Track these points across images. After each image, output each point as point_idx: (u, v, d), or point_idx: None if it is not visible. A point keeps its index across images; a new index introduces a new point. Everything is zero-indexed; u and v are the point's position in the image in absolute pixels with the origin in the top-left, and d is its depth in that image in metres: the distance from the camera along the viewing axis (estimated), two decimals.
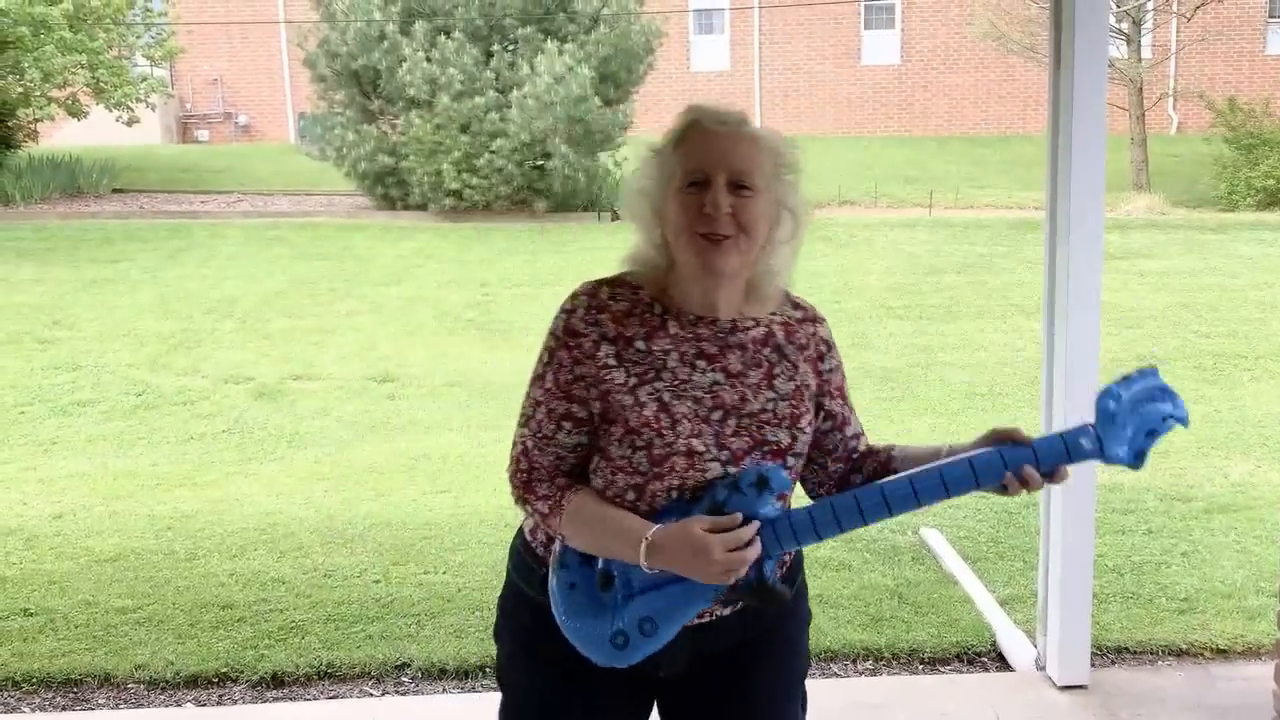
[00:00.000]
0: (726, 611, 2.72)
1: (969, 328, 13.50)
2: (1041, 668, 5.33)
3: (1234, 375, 11.48)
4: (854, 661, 5.60)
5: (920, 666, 5.57)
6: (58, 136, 28.77)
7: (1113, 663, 5.52)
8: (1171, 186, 24.27)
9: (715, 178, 2.58)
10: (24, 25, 21.95)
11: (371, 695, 5.37)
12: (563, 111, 20.90)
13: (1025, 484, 2.54)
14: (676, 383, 2.62)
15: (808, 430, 2.73)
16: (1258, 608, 5.96)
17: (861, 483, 2.77)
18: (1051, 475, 2.55)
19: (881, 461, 2.80)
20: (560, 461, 2.69)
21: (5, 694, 5.38)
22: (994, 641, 5.66)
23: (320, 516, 7.88)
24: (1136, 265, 16.69)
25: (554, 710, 2.84)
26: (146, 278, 16.71)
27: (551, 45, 21.27)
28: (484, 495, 8.28)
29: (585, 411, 2.65)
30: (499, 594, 2.97)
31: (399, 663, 5.57)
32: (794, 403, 2.70)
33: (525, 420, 2.71)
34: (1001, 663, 5.54)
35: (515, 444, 2.73)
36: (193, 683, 5.46)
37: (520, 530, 2.90)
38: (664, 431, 2.59)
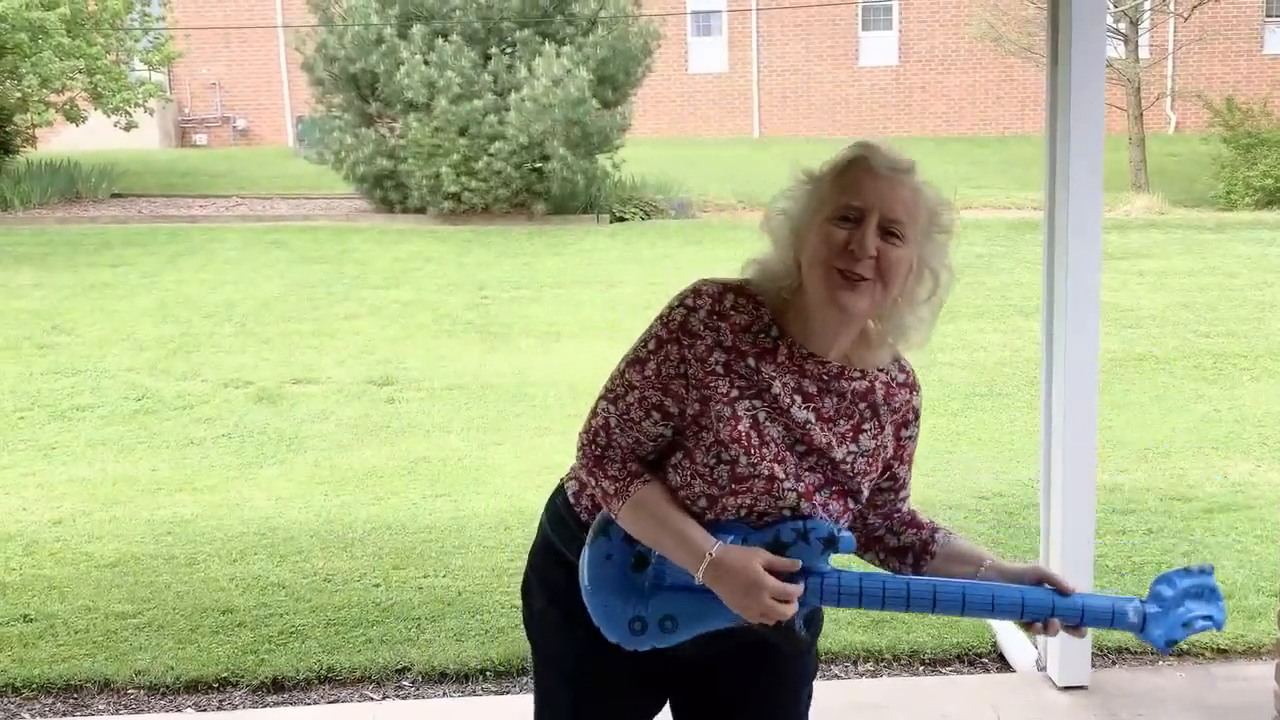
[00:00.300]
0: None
1: (968, 328, 13.48)
2: (1042, 668, 5.33)
3: (1233, 375, 11.48)
4: (855, 663, 5.61)
5: (921, 667, 5.57)
6: (56, 142, 28.74)
7: (1113, 663, 5.52)
8: (1170, 186, 24.27)
9: (869, 217, 2.55)
10: (22, 31, 21.94)
11: (372, 699, 5.37)
12: (561, 114, 20.89)
13: (1046, 629, 2.67)
14: (775, 409, 2.63)
15: (870, 484, 2.77)
16: (1258, 607, 5.95)
17: (895, 546, 2.88)
18: (1076, 628, 2.69)
19: (923, 541, 2.88)
20: (638, 446, 2.68)
21: (5, 700, 5.38)
22: (994, 642, 5.66)
23: (320, 520, 7.88)
24: (1135, 265, 16.69)
25: (584, 675, 2.88)
26: (145, 282, 16.70)
27: (549, 48, 21.25)
28: (484, 498, 8.28)
29: (678, 408, 2.64)
30: (530, 548, 2.98)
31: (399, 667, 5.57)
32: (870, 460, 2.74)
33: (615, 398, 2.68)
34: (1002, 663, 5.55)
35: (596, 414, 2.70)
36: (193, 688, 5.46)
37: (562, 489, 2.89)
38: (752, 450, 2.59)
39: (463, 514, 7.91)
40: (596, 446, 2.69)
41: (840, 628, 5.83)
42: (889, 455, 2.80)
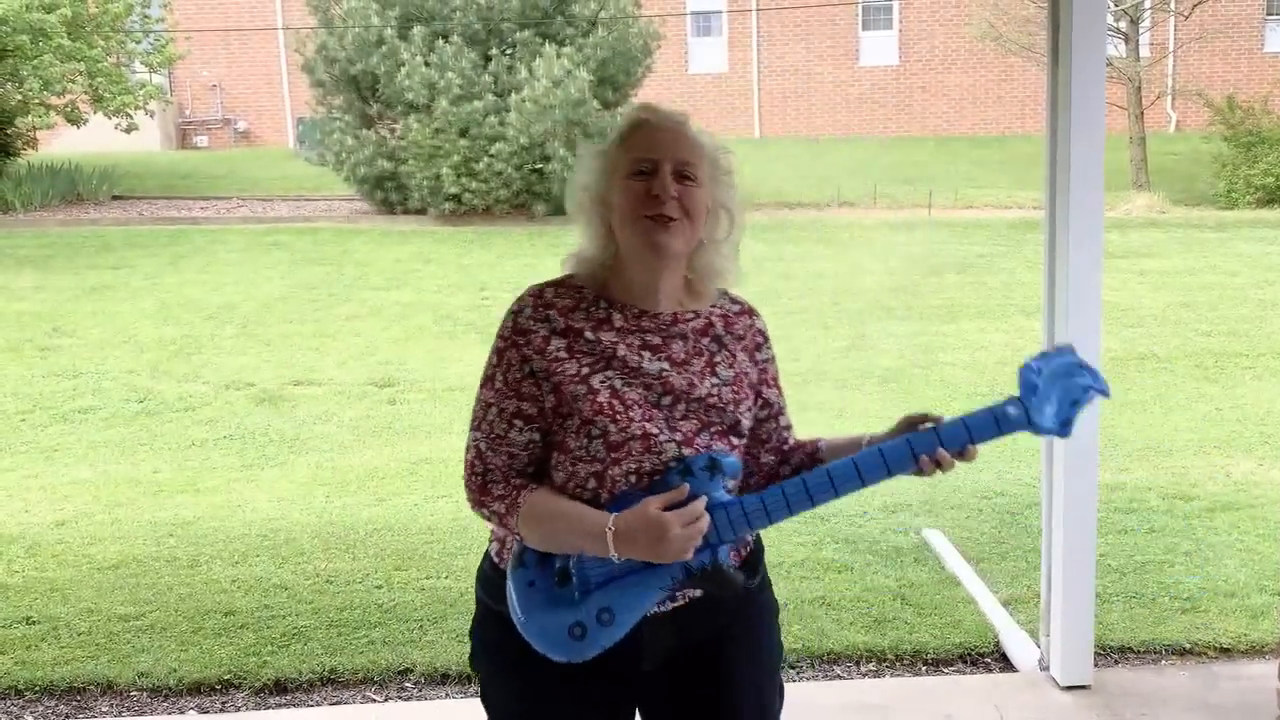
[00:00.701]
0: (699, 593, 2.74)
1: (969, 328, 13.51)
2: (1045, 668, 5.33)
3: (1235, 373, 11.48)
4: (857, 663, 5.61)
5: (923, 667, 5.58)
6: (57, 144, 28.75)
7: (1116, 663, 5.51)
8: (1170, 185, 24.28)
9: (663, 165, 2.72)
10: (23, 33, 21.96)
11: (374, 701, 5.38)
12: (561, 115, 20.90)
13: (938, 465, 2.67)
14: (626, 370, 2.72)
15: (748, 415, 2.83)
16: (1261, 606, 5.96)
17: (789, 472, 2.89)
18: (962, 454, 2.70)
19: (809, 453, 2.92)
20: (513, 460, 2.74)
21: (8, 703, 5.38)
22: (997, 642, 5.66)
23: (322, 522, 7.88)
24: (1136, 264, 16.71)
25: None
26: (147, 284, 16.72)
27: (549, 48, 21.27)
28: None
29: (536, 408, 2.72)
30: (470, 625, 3.00)
31: (401, 668, 5.58)
32: (735, 388, 2.80)
33: (477, 424, 2.77)
34: (1005, 663, 5.55)
35: (468, 449, 2.78)
36: (195, 690, 5.47)
37: (486, 554, 2.93)
38: (618, 416, 2.67)
39: (464, 515, 7.86)
40: (476, 477, 2.75)
41: (842, 628, 5.85)
42: (754, 381, 2.88)
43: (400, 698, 5.39)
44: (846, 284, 15.72)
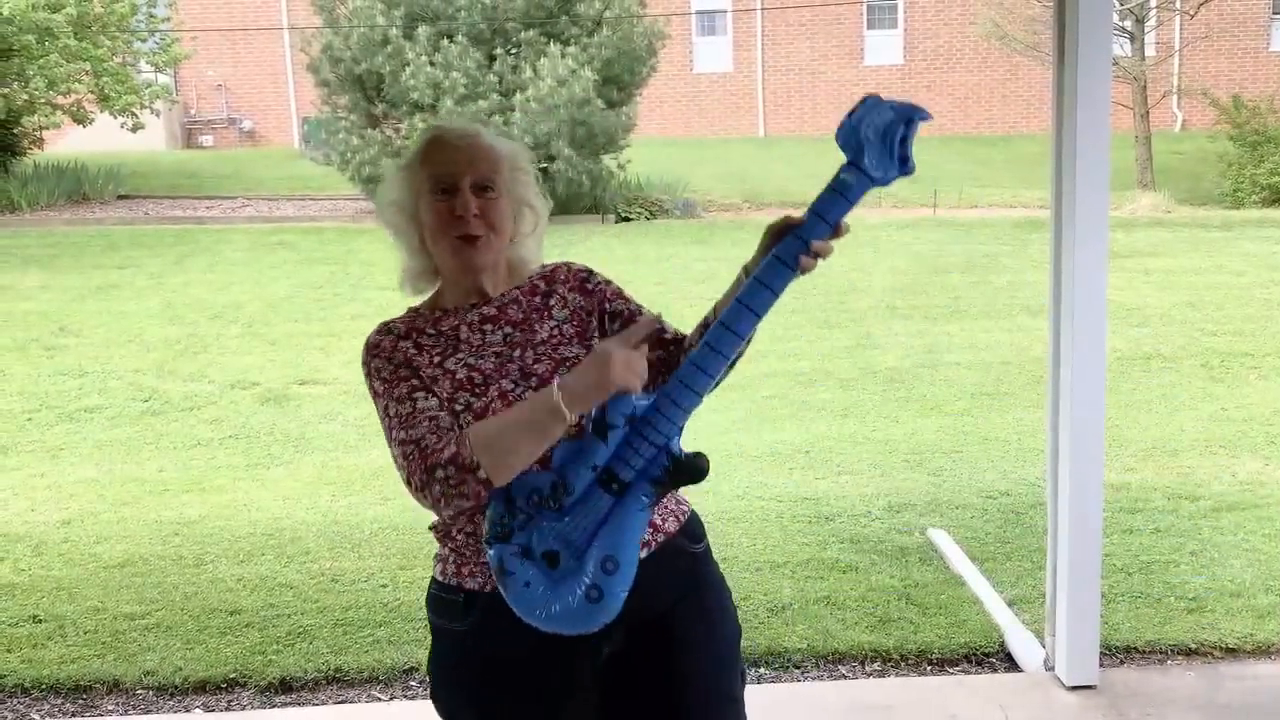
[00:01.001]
0: (646, 554, 2.77)
1: (974, 327, 13.50)
2: (1050, 668, 5.32)
3: (1240, 373, 11.46)
4: (862, 663, 5.60)
5: (928, 667, 5.57)
6: (63, 143, 28.81)
7: (1122, 663, 5.51)
8: (1176, 184, 24.27)
9: (462, 183, 2.85)
10: (29, 33, 22.01)
11: (380, 700, 5.39)
12: (566, 114, 20.92)
13: (817, 256, 2.63)
14: (474, 347, 2.85)
15: (599, 338, 2.92)
16: (1267, 606, 5.95)
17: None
18: (835, 234, 2.64)
19: (706, 323, 2.88)
20: (437, 420, 2.74)
21: (14, 701, 5.40)
22: (1002, 642, 5.66)
23: (327, 521, 7.89)
24: (1142, 263, 16.67)
25: None
26: (152, 284, 16.73)
27: (554, 48, 21.28)
28: None
29: (420, 379, 2.80)
30: (427, 658, 3.01)
31: (407, 667, 5.59)
32: (575, 322, 2.94)
33: (390, 430, 2.78)
34: (1010, 663, 5.54)
35: (395, 455, 2.76)
36: (201, 688, 5.49)
37: (432, 579, 2.94)
38: (475, 388, 2.77)
39: None
40: (413, 457, 2.71)
41: (847, 628, 5.85)
42: (593, 308, 2.99)
43: (406, 697, 5.40)
44: (851, 283, 15.69)
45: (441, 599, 2.88)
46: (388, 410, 2.78)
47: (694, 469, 2.66)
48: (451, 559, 2.87)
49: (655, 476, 2.63)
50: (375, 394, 2.83)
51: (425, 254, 2.92)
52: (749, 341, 2.69)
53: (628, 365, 2.60)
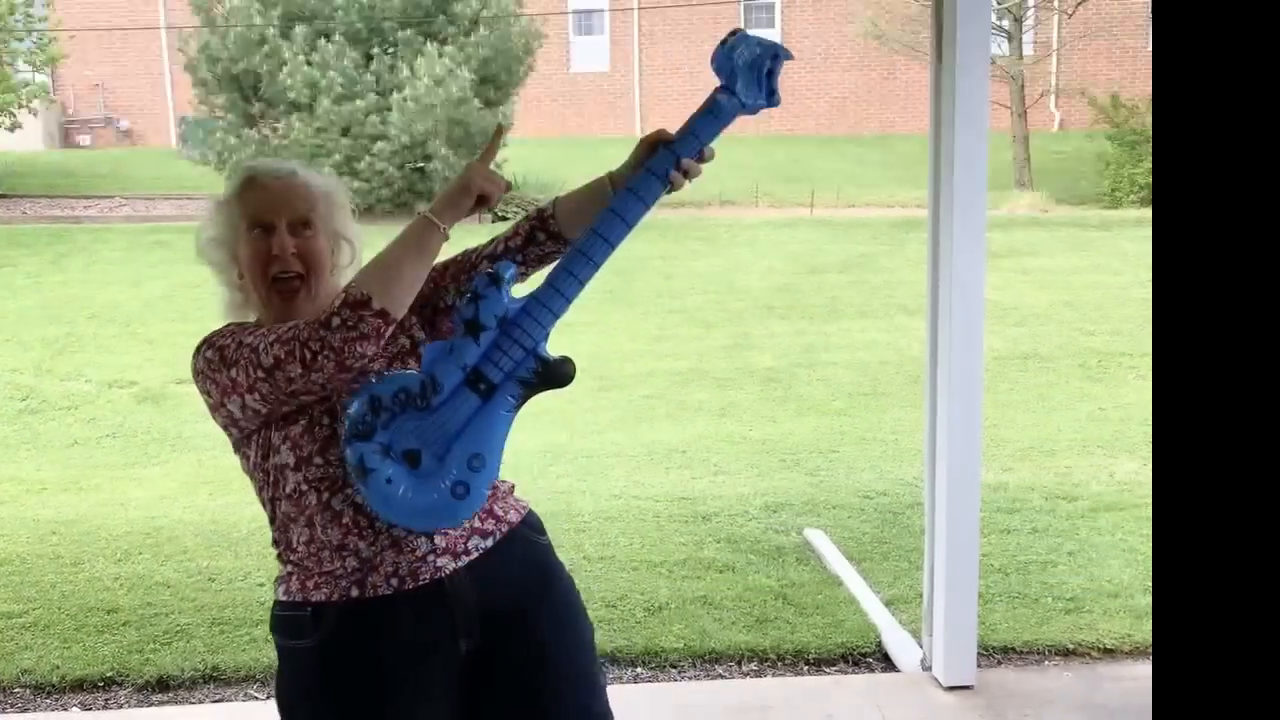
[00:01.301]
0: (489, 543, 2.82)
1: (851, 327, 13.64)
2: (927, 668, 5.34)
3: (1118, 373, 11.63)
4: (739, 663, 5.61)
5: (805, 668, 5.57)
6: None
7: (999, 663, 5.53)
8: (1054, 184, 24.54)
9: (278, 223, 2.84)
10: None
11: (257, 699, 5.36)
12: (443, 114, 20.90)
13: (686, 174, 2.75)
14: None
15: (449, 295, 2.94)
16: (1144, 607, 5.97)
17: (523, 244, 2.94)
18: (701, 157, 2.76)
19: (539, 218, 2.94)
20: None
21: None
22: (879, 642, 5.67)
23: (203, 520, 7.87)
24: (1020, 263, 16.89)
25: None
26: (30, 283, 16.57)
27: (431, 48, 21.26)
28: None
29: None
30: (275, 687, 2.92)
31: None
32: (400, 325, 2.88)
33: (259, 351, 2.68)
34: (887, 663, 5.55)
35: (279, 358, 2.65)
36: (79, 687, 5.45)
37: (275, 601, 2.88)
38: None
39: None
40: (299, 331, 2.64)
41: (724, 628, 5.88)
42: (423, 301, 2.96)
43: None
44: (728, 283, 15.84)
45: (286, 618, 2.83)
46: (244, 345, 2.70)
47: (560, 373, 2.73)
48: (295, 575, 2.80)
49: (523, 378, 2.70)
50: (219, 367, 2.74)
51: (245, 289, 2.89)
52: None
53: (487, 177, 2.75)
